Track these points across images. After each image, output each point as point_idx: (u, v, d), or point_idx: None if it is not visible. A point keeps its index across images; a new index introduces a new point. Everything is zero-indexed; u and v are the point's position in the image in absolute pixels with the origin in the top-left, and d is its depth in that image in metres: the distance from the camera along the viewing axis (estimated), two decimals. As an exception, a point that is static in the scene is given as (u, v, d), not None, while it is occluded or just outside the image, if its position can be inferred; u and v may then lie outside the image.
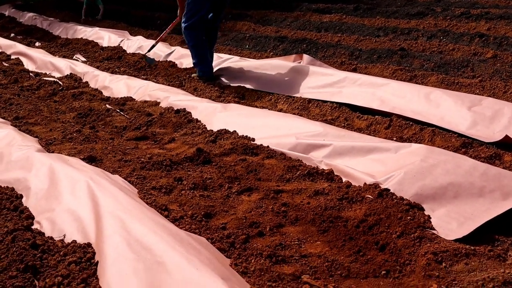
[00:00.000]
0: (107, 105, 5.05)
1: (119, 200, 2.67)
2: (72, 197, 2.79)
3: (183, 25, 5.93)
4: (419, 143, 3.73)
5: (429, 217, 2.66)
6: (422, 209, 2.73)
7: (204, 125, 4.24)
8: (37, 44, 8.89)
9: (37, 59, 7.31)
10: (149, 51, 7.18)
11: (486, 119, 4.06)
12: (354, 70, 5.84)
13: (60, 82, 6.07)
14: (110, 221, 2.49)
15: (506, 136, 3.71)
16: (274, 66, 5.66)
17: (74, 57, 7.57)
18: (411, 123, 4.09)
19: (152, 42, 7.58)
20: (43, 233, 2.63)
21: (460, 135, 3.84)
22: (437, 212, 2.70)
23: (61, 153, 3.62)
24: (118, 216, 2.50)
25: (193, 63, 6.05)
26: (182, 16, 6.04)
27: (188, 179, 3.18)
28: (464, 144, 3.67)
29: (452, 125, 4.06)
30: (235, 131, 4.00)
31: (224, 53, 6.99)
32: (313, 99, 4.87)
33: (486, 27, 7.41)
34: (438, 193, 2.79)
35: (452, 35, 7.13)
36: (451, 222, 2.62)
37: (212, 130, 4.08)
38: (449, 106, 4.27)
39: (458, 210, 2.69)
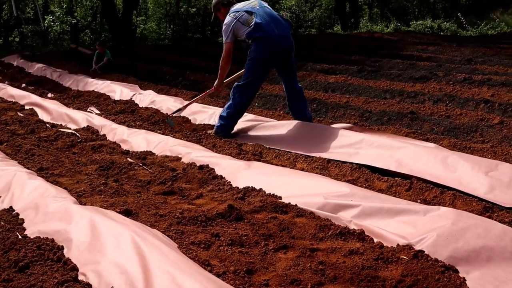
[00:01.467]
0: (128, 159, 5.16)
1: (166, 254, 2.75)
2: (117, 250, 2.86)
3: (237, 83, 6.07)
4: (441, 206, 3.85)
5: (464, 279, 2.76)
6: (457, 271, 2.83)
7: (229, 182, 4.35)
8: (49, 95, 9.08)
9: (52, 110, 7.46)
10: (174, 113, 7.11)
11: (504, 184, 4.20)
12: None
13: (77, 134, 6.19)
14: (159, 275, 2.56)
15: (525, 201, 3.85)
16: (291, 125, 5.83)
17: (88, 110, 7.72)
18: (431, 186, 4.22)
19: (165, 97, 7.78)
20: (91, 285, 2.69)
21: (480, 199, 3.97)
22: (471, 275, 2.80)
23: (94, 205, 3.70)
24: (167, 271, 2.58)
25: (220, 116, 6.13)
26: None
27: (225, 235, 3.26)
28: (486, 209, 3.79)
29: (470, 189, 4.20)
30: (261, 188, 4.11)
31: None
32: (332, 159, 5.01)
33: (489, 93, 7.67)
34: (471, 256, 2.90)
35: (458, 99, 7.38)
36: (486, 286, 2.72)
37: (238, 187, 4.18)
38: (466, 170, 4.42)
39: (492, 273, 2.79)
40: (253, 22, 5.79)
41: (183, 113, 7.28)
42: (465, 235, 3.03)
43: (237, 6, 6.08)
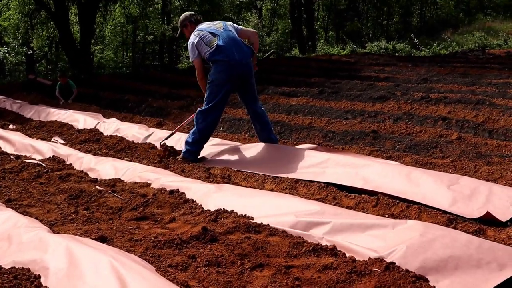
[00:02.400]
0: (97, 187, 5.16)
1: (145, 277, 2.79)
2: (96, 275, 2.88)
3: (199, 109, 6.10)
4: (408, 219, 3.99)
5: (434, 287, 2.88)
6: (427, 281, 2.95)
7: (201, 205, 4.41)
8: (10, 126, 8.98)
9: (16, 142, 7.39)
10: (166, 139, 6.92)
11: (465, 197, 4.38)
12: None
13: (44, 164, 6.15)
14: (141, 298, 2.60)
15: (488, 212, 4.02)
16: (258, 147, 5.94)
17: (52, 140, 7.68)
18: (397, 201, 4.37)
19: (130, 124, 7.79)
20: (71, 312, 2.70)
21: (445, 212, 4.14)
22: (441, 283, 2.92)
23: (67, 233, 3.70)
24: (147, 293, 2.62)
25: (186, 141, 6.16)
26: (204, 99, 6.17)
27: (201, 257, 3.31)
28: (450, 220, 3.95)
29: (434, 203, 4.36)
30: (233, 210, 4.18)
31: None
32: (300, 179, 5.12)
33: (446, 110, 7.95)
34: (440, 265, 3.03)
35: (417, 117, 7.63)
36: (456, 292, 2.85)
37: (210, 210, 4.24)
38: (429, 185, 4.59)
39: (460, 281, 2.92)
40: (215, 44, 5.90)
41: (149, 140, 7.32)
42: (433, 246, 3.16)
43: (203, 25, 6.19)
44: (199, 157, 6.20)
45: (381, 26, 33.26)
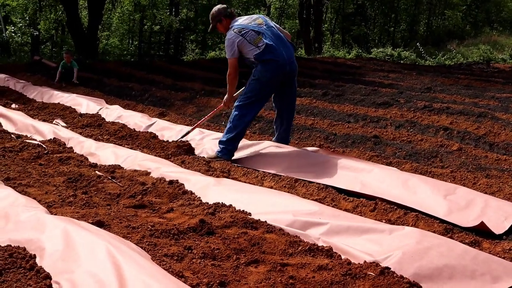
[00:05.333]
0: (97, 172, 5.16)
1: (141, 264, 2.80)
2: (92, 259, 2.88)
3: (237, 103, 5.89)
4: (405, 226, 4.00)
5: (428, 295, 2.90)
6: (421, 288, 2.97)
7: (199, 197, 4.42)
8: (13, 105, 8.97)
9: (17, 121, 7.39)
10: (183, 137, 6.79)
11: (461, 207, 4.40)
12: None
13: (44, 146, 6.16)
14: (135, 284, 2.60)
15: (482, 222, 4.04)
16: (260, 145, 5.95)
17: (54, 122, 7.68)
18: (395, 207, 4.38)
19: (132, 112, 7.80)
20: (65, 293, 2.71)
21: (442, 221, 4.15)
22: (434, 292, 2.94)
23: (65, 216, 3.71)
24: (142, 280, 2.62)
25: (220, 141, 5.93)
26: (238, 97, 5.98)
27: (197, 248, 3.33)
28: (447, 230, 3.96)
29: (431, 211, 4.38)
30: (231, 205, 4.18)
31: (203, 129, 7.25)
32: (299, 179, 5.14)
33: (448, 121, 7.96)
34: (434, 273, 3.04)
35: (419, 126, 7.64)
36: (449, 301, 2.86)
37: (208, 203, 4.25)
38: (426, 193, 4.61)
39: (454, 290, 2.94)
40: (263, 44, 5.66)
41: (150, 129, 7.33)
42: (429, 254, 3.17)
43: (241, 21, 5.91)
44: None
45: (387, 33, 33.30)
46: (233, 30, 5.80)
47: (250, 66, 5.90)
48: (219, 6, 6.12)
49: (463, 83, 12.83)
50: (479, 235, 4.01)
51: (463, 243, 3.70)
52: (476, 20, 34.45)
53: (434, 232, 3.89)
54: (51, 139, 6.50)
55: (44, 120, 7.63)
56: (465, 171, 5.62)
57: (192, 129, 6.88)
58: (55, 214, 3.80)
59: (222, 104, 6.40)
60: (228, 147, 5.87)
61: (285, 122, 6.17)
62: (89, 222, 3.55)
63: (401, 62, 19.05)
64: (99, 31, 25.06)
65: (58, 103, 9.17)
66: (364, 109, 8.97)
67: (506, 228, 4.10)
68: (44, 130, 6.84)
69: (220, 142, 5.92)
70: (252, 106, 5.85)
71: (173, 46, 29.40)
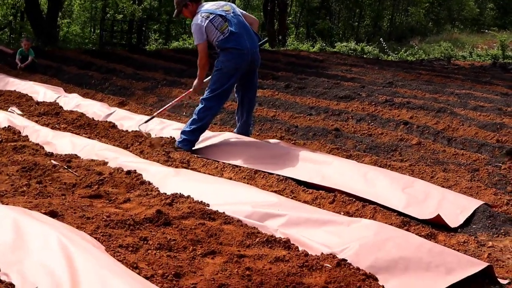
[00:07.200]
0: (52, 161, 5.04)
1: (94, 255, 2.73)
2: (43, 250, 2.80)
3: (202, 97, 5.80)
4: (363, 218, 4.01)
5: (383, 287, 2.90)
6: (377, 280, 2.97)
7: (157, 188, 4.35)
8: (-34, 93, 8.70)
9: (-30, 108, 7.16)
10: (145, 122, 6.72)
11: (419, 200, 4.44)
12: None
13: (-3, 134, 5.98)
14: (87, 276, 2.53)
15: (438, 215, 4.09)
16: (221, 136, 5.90)
17: (9, 110, 7.47)
18: (353, 199, 4.40)
19: (91, 101, 7.64)
20: (14, 285, 2.62)
21: (399, 214, 4.18)
22: (390, 283, 2.95)
23: (16, 206, 3.60)
24: (95, 272, 2.56)
25: (183, 131, 5.82)
26: (200, 83, 5.91)
27: (153, 239, 3.27)
28: (404, 223, 4.00)
29: (389, 204, 4.41)
30: (189, 195, 4.13)
31: (163, 119, 7.15)
32: (259, 170, 5.11)
33: (408, 115, 8.05)
34: (390, 265, 3.06)
35: (379, 120, 7.70)
36: (404, 293, 2.87)
37: (166, 193, 4.18)
38: (385, 186, 4.64)
39: (409, 282, 2.96)
40: (227, 30, 5.58)
41: (109, 118, 7.20)
42: (385, 246, 3.18)
43: (208, 6, 5.80)
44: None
45: (351, 28, 33.55)
46: (200, 14, 5.70)
47: (213, 56, 5.84)
48: None
49: (424, 78, 12.99)
50: (435, 227, 4.06)
51: (420, 235, 3.74)
52: (438, 17, 35.01)
53: (391, 224, 3.92)
54: (5, 127, 6.32)
55: (-1, 108, 7.42)
56: (424, 165, 5.68)
57: (157, 114, 6.81)
58: (7, 204, 3.69)
59: (191, 89, 6.29)
60: (190, 138, 5.79)
61: (245, 113, 6.12)
62: (41, 212, 3.45)
63: (364, 56, 19.19)
64: (60, 18, 24.53)
65: (14, 90, 8.93)
66: (326, 102, 8.99)
67: (461, 222, 4.16)
68: (-2, 118, 6.64)
69: (183, 133, 5.82)
70: (217, 98, 5.78)
71: (135, 36, 28.98)
